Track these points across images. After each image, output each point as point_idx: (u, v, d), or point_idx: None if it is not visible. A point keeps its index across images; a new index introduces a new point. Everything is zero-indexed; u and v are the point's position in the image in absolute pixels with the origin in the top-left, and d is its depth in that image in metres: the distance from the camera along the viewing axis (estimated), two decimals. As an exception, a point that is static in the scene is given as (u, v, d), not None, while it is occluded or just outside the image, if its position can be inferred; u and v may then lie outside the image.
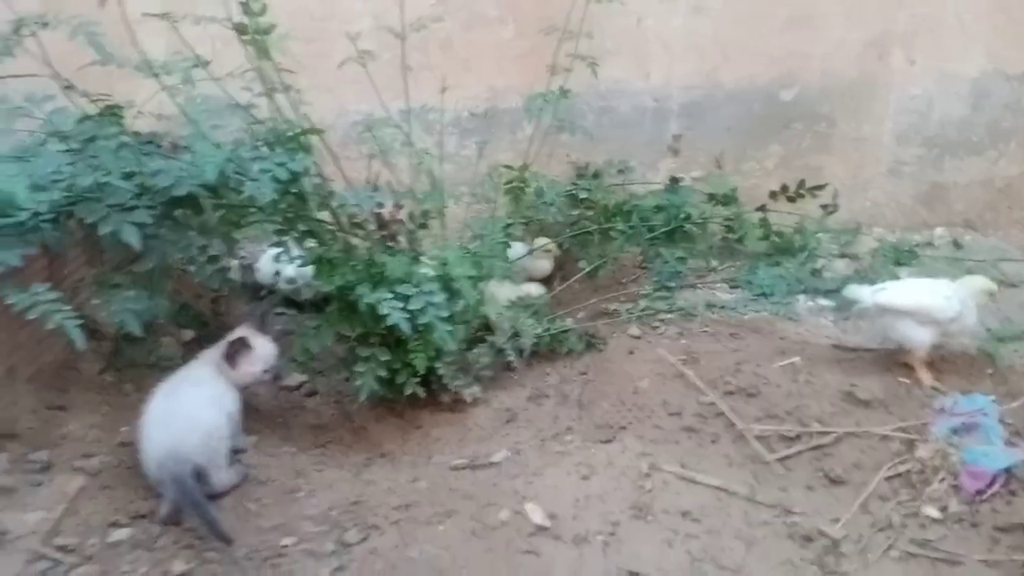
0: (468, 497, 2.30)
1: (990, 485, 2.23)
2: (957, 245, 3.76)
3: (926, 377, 2.73)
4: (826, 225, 3.53)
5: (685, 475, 2.35)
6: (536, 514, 2.20)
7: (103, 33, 2.28)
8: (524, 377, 2.96)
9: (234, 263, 3.16)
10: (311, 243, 2.69)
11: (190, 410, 2.30)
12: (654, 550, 2.10)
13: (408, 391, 2.69)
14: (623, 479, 2.34)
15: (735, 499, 2.27)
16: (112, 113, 2.50)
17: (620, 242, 3.40)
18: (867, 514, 2.22)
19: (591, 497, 2.27)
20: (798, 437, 2.49)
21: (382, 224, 2.82)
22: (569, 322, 3.12)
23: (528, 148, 3.18)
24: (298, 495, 2.33)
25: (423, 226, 2.88)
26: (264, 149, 2.49)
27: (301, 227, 2.66)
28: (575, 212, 3.56)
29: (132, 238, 2.33)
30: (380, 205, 2.76)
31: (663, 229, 3.42)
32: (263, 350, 2.53)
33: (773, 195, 3.53)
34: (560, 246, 3.53)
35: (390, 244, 2.81)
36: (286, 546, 2.11)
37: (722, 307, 3.31)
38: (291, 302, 3.37)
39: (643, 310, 3.24)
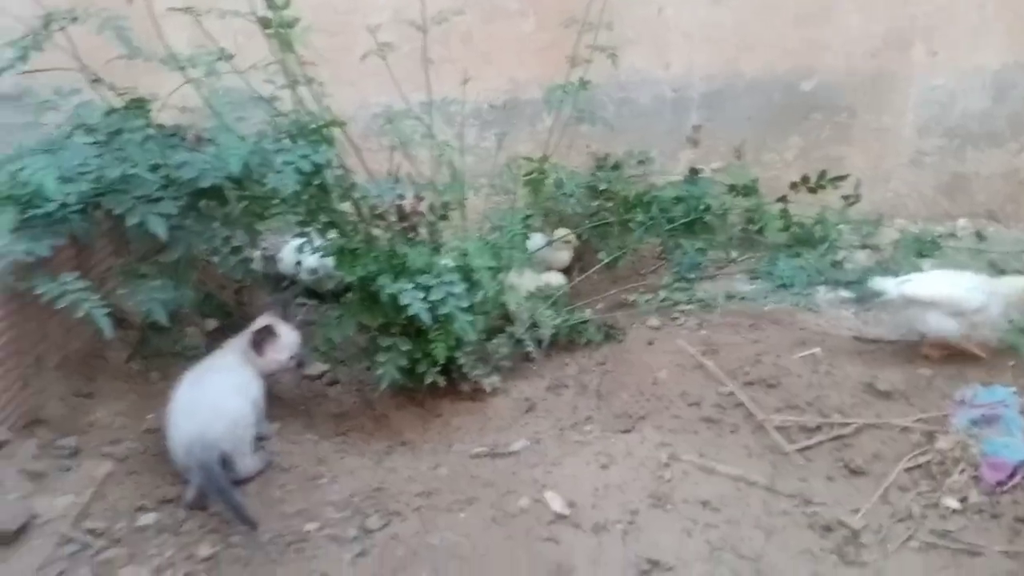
0: (488, 485, 2.32)
1: (1011, 476, 2.22)
2: (980, 236, 3.73)
3: (976, 349, 2.76)
4: (847, 216, 3.51)
5: (704, 465, 2.36)
6: (556, 502, 2.22)
7: (131, 27, 2.31)
8: (543, 367, 2.97)
9: (256, 254, 3.19)
10: (333, 234, 2.72)
11: (216, 398, 2.34)
12: (673, 539, 2.11)
13: (428, 380, 2.71)
14: (642, 468, 2.35)
15: (754, 489, 2.28)
16: (138, 106, 2.54)
17: (639, 233, 3.39)
18: (887, 505, 2.22)
19: (610, 486, 2.29)
20: (818, 428, 2.49)
21: (403, 215, 2.85)
22: (588, 313, 3.14)
23: (548, 139, 3.19)
24: (321, 482, 2.37)
25: (443, 217, 2.90)
26: (287, 141, 2.52)
27: (323, 218, 2.69)
28: (594, 203, 3.56)
29: (159, 229, 2.37)
30: (401, 196, 2.79)
31: (683, 220, 3.40)
32: (288, 338, 2.58)
33: (794, 186, 3.51)
34: (579, 237, 3.53)
35: (411, 235, 2.84)
36: (309, 531, 2.15)
37: (742, 298, 3.29)
38: (313, 292, 3.41)
39: (662, 301, 3.24)
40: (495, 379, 2.83)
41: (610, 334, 3.08)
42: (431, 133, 2.77)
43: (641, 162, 3.74)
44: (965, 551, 2.06)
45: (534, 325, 2.95)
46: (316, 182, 2.57)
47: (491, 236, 3.01)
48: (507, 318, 2.97)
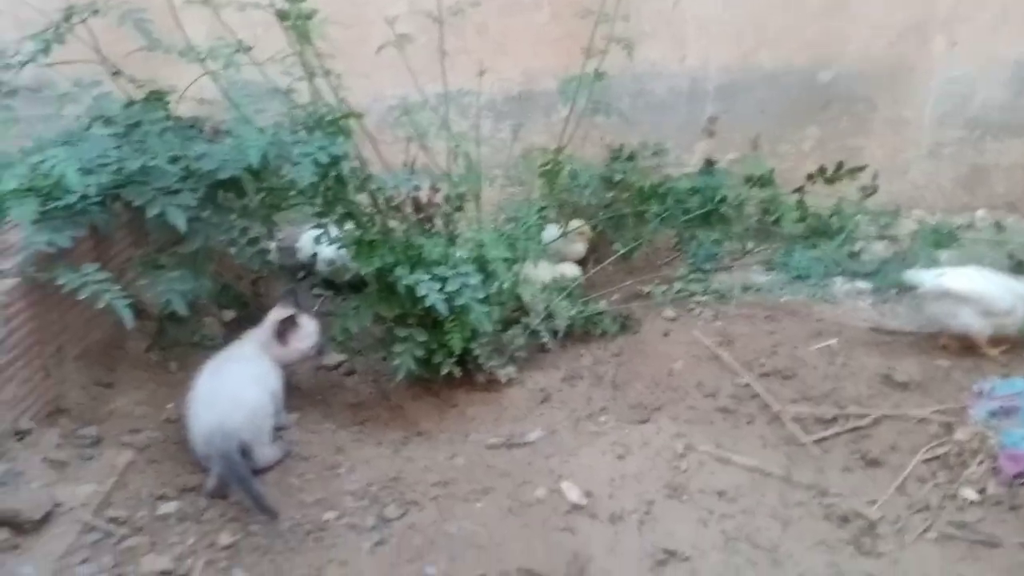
0: (504, 475, 2.33)
1: (1030, 468, 2.22)
2: (999, 228, 3.70)
3: (992, 351, 2.75)
4: (865, 207, 3.49)
5: (720, 455, 2.37)
6: (572, 492, 2.23)
7: (150, 20, 2.33)
8: (558, 358, 2.98)
9: (273, 245, 3.21)
10: (350, 225, 2.73)
11: (235, 388, 2.36)
12: (689, 529, 2.12)
13: (444, 371, 2.72)
14: (658, 459, 2.36)
15: (770, 480, 2.28)
16: (157, 98, 2.56)
17: (655, 224, 3.39)
18: (904, 496, 2.21)
19: (626, 476, 2.30)
20: (835, 419, 2.49)
21: (419, 207, 2.86)
22: (603, 304, 3.14)
23: (563, 131, 3.18)
24: (339, 471, 2.38)
25: (459, 208, 2.91)
26: (304, 133, 2.53)
27: (340, 210, 2.70)
28: (609, 194, 3.55)
29: (178, 220, 2.39)
30: (417, 188, 2.80)
31: (698, 211, 3.40)
32: (309, 327, 2.60)
33: (811, 177, 3.50)
34: (594, 228, 3.53)
35: (427, 226, 2.85)
36: (328, 520, 2.17)
37: (758, 289, 3.28)
38: (329, 283, 3.42)
39: (678, 292, 3.24)
40: (511, 370, 2.84)
41: (625, 325, 3.09)
42: (447, 124, 2.77)
43: (656, 153, 3.73)
44: (983, 543, 2.06)
45: (549, 316, 2.95)
46: (333, 174, 2.58)
47: (506, 227, 3.01)
48: (522, 309, 2.97)
